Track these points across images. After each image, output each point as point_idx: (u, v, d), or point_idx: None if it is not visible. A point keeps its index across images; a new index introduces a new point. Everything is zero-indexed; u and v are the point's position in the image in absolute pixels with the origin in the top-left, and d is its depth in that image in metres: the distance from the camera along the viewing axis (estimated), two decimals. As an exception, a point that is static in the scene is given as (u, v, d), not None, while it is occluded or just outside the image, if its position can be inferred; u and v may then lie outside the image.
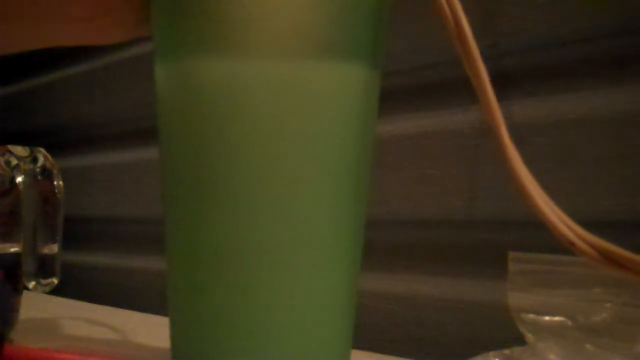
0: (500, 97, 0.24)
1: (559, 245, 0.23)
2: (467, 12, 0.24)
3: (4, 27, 0.27)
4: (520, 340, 0.25)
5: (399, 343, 0.41)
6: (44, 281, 0.38)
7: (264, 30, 0.23)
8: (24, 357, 0.30)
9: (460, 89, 0.35)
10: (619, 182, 0.33)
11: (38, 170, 0.37)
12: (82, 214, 0.68)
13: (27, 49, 0.30)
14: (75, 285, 0.65)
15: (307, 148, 0.24)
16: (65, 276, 0.40)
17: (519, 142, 0.24)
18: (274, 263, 0.23)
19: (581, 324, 0.24)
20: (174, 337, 0.26)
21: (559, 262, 0.24)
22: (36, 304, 0.49)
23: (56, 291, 0.40)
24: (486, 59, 0.24)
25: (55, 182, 0.38)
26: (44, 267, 0.38)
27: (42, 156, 0.38)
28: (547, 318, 0.24)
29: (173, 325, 0.26)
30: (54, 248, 0.38)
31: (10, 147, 0.37)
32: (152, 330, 0.41)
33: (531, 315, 0.25)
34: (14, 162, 0.37)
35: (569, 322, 0.24)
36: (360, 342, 0.30)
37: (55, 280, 0.39)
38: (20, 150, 0.37)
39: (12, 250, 0.36)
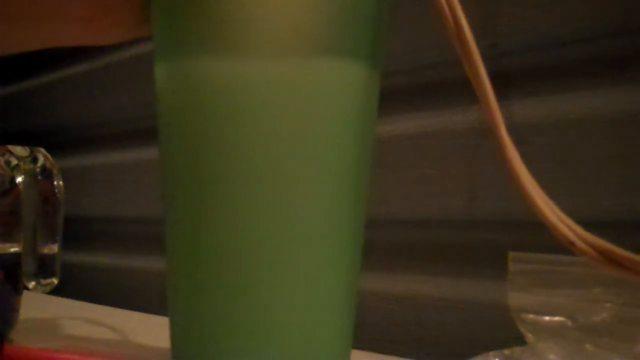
0: (500, 97, 0.24)
1: (559, 245, 0.23)
2: (467, 12, 0.24)
3: (4, 27, 0.27)
4: (520, 340, 0.25)
5: (399, 343, 0.41)
6: (44, 281, 0.38)
7: (264, 30, 0.23)
8: (24, 357, 0.30)
9: (460, 89, 0.35)
10: (619, 182, 0.33)
11: (38, 170, 0.37)
12: (82, 214, 0.68)
13: (27, 49, 0.30)
14: (75, 285, 0.65)
15: (307, 148, 0.24)
16: (65, 276, 0.40)
17: (519, 142, 0.24)
18: (274, 263, 0.23)
19: (581, 324, 0.24)
20: (174, 337, 0.26)
21: (559, 262, 0.24)
22: (36, 304, 0.49)
23: (56, 291, 0.40)
24: (486, 59, 0.24)
25: (55, 182, 0.38)
26: (44, 267, 0.38)
27: (42, 156, 0.38)
28: (547, 318, 0.24)
29: (173, 325, 0.26)
30: (54, 248, 0.38)
31: (10, 147, 0.37)
32: (152, 330, 0.41)
33: (531, 315, 0.25)
34: (14, 162, 0.37)
35: (569, 322, 0.24)
36: (360, 342, 0.30)
37: (55, 280, 0.39)
38: (20, 150, 0.37)
39: (12, 250, 0.36)
